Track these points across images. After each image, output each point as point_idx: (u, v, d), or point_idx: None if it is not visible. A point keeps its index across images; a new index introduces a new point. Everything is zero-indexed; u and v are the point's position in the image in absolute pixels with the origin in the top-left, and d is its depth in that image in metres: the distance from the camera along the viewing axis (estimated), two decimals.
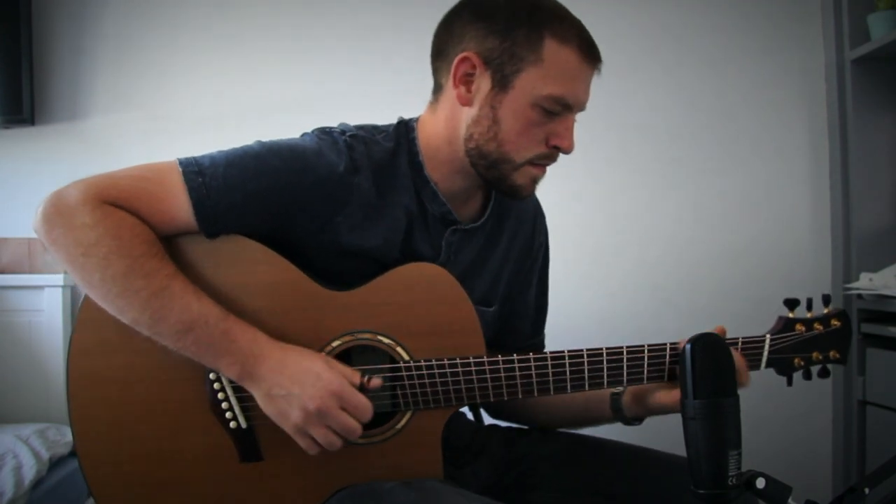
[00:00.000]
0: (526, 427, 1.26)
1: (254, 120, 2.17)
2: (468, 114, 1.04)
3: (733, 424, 0.74)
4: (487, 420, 1.32)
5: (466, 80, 1.03)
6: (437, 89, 1.09)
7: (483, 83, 1.02)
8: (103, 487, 1.01)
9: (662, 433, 1.28)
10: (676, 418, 0.76)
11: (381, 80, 2.16)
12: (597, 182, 2.15)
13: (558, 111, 1.01)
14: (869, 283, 1.79)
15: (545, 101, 1.00)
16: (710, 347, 0.75)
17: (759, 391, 1.95)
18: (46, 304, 2.08)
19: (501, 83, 1.01)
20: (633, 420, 1.13)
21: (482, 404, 1.27)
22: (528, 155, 1.03)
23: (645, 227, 2.15)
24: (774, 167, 2.13)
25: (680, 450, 0.81)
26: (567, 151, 1.04)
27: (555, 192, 2.11)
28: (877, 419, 1.82)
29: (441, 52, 1.07)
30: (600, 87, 2.31)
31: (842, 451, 1.96)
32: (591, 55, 1.02)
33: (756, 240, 2.11)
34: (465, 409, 1.32)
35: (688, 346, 0.75)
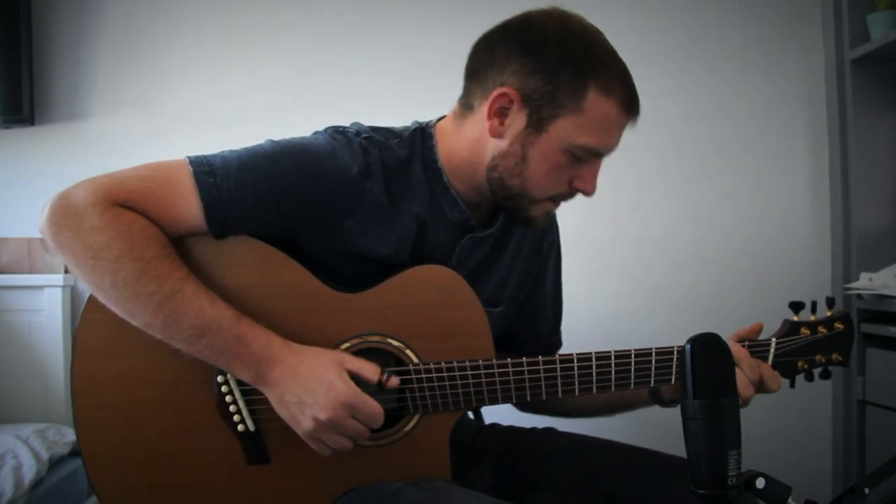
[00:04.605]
0: (527, 427, 1.26)
1: (254, 120, 2.17)
2: (497, 145, 1.02)
3: (733, 424, 0.73)
4: (487, 420, 1.32)
5: (501, 113, 1.01)
6: (468, 108, 1.05)
7: (517, 120, 1.00)
8: (108, 490, 1.01)
9: (662, 433, 1.28)
10: (677, 418, 0.76)
11: (382, 80, 2.16)
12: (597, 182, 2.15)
13: (587, 158, 1.02)
14: (869, 283, 1.79)
15: (578, 149, 1.00)
16: (709, 347, 0.75)
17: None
18: (46, 304, 2.08)
19: (537, 124, 0.99)
20: (670, 402, 1.13)
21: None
22: (549, 193, 1.04)
23: (643, 227, 2.14)
24: (774, 167, 2.13)
25: (680, 450, 0.81)
26: (588, 195, 1.05)
27: None
28: (877, 419, 1.82)
29: (478, 73, 1.04)
30: None
31: (842, 451, 1.96)
32: (631, 108, 1.02)
33: (756, 240, 2.11)
34: None
35: (688, 347, 0.75)
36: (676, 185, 2.14)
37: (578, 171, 1.03)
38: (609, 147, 1.03)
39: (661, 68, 2.14)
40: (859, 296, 1.83)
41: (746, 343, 1.07)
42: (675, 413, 0.77)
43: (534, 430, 1.25)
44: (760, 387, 1.04)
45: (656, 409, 1.16)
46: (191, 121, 2.20)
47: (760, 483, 0.74)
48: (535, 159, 1.00)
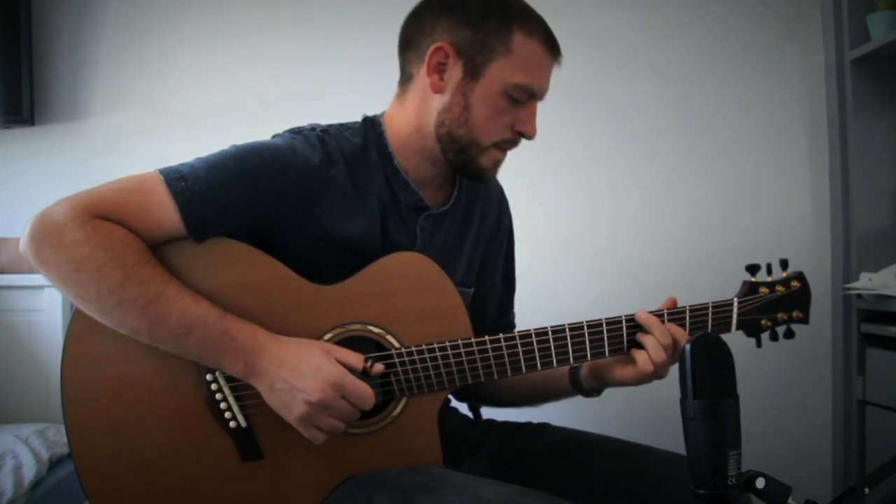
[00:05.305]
0: (522, 423, 1.27)
1: (254, 119, 2.17)
2: (439, 101, 1.09)
3: (733, 424, 0.74)
4: (484, 416, 1.32)
5: (439, 69, 1.08)
6: (406, 79, 1.13)
7: (455, 72, 1.07)
8: (103, 499, 1.01)
9: (662, 433, 1.28)
10: (676, 417, 0.76)
11: (380, 80, 2.16)
12: (597, 182, 2.15)
13: (524, 99, 1.08)
14: (869, 283, 1.79)
15: (513, 89, 1.06)
16: (709, 347, 0.75)
17: (759, 391, 1.96)
18: (46, 304, 2.08)
19: (473, 72, 1.06)
20: (592, 392, 1.17)
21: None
22: (495, 139, 1.09)
23: (642, 227, 2.15)
24: (774, 167, 2.13)
25: (679, 448, 0.81)
26: (530, 137, 1.11)
27: (559, 190, 2.12)
28: (877, 419, 1.82)
29: (411, 42, 1.11)
30: (602, 87, 2.30)
31: (841, 451, 1.96)
32: (553, 48, 1.09)
33: (756, 240, 2.11)
34: (463, 406, 1.32)
35: (688, 347, 0.75)
36: (676, 186, 2.14)
37: (518, 115, 1.09)
38: (541, 86, 1.09)
39: (660, 69, 2.14)
40: (859, 296, 1.83)
41: (710, 304, 1.13)
42: (674, 412, 0.77)
43: (528, 424, 1.26)
44: (675, 351, 1.08)
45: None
46: (191, 120, 2.20)
47: (760, 483, 0.74)
48: (476, 105, 1.07)
